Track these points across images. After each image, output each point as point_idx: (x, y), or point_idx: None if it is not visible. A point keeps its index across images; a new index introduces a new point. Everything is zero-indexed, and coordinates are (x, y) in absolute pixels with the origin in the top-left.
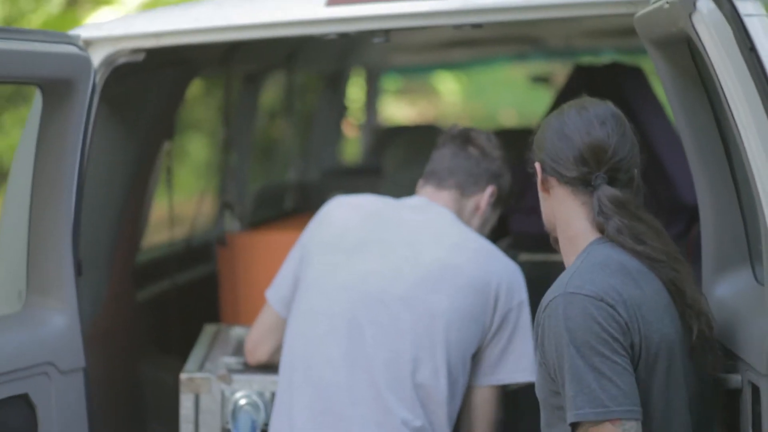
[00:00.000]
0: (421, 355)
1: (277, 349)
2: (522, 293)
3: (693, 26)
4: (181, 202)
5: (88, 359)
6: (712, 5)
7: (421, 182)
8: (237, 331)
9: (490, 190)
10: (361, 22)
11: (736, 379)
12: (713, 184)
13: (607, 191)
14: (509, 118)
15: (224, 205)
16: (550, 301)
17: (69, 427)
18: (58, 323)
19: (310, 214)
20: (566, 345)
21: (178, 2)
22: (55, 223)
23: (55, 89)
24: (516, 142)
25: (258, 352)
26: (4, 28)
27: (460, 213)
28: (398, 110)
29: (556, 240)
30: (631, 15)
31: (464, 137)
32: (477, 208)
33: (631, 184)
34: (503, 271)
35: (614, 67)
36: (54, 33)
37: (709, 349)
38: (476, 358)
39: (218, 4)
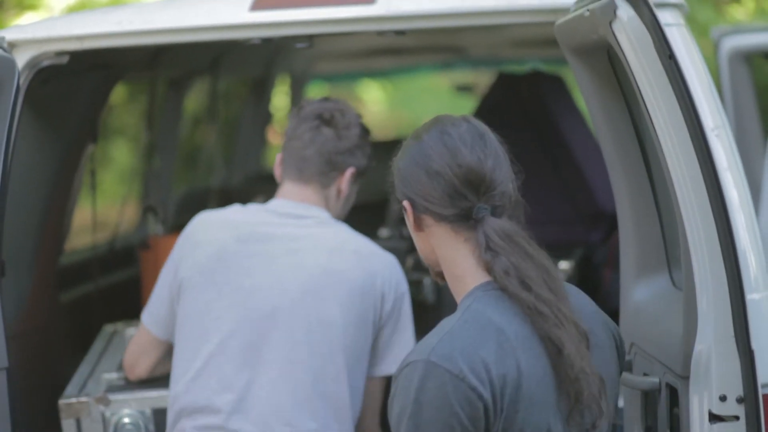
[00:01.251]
0: (320, 363)
1: (156, 364)
2: (402, 284)
3: (613, 34)
4: (105, 206)
5: (10, 359)
6: (633, 13)
7: (283, 169)
8: (132, 332)
9: (349, 172)
10: (285, 27)
11: (653, 382)
12: (631, 190)
13: (493, 224)
14: None
15: (148, 209)
16: (410, 363)
17: None
18: None
19: None
20: (409, 416)
21: (104, 6)
22: None
23: None
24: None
25: (137, 369)
26: None
27: (326, 203)
28: None
29: (439, 275)
30: (552, 24)
31: (318, 117)
32: (339, 191)
33: (512, 206)
34: (384, 268)
35: (536, 76)
36: None
37: (589, 410)
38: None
39: (142, 7)
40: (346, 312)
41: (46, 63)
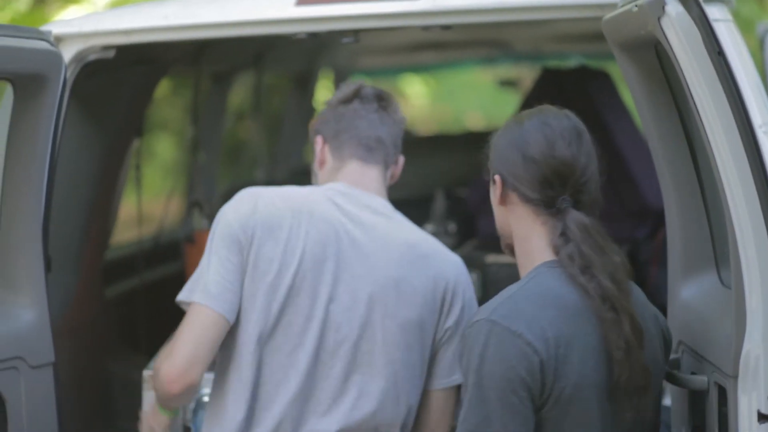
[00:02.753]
0: (383, 384)
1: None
2: (469, 290)
3: (662, 30)
4: (150, 201)
5: (57, 355)
6: (681, 9)
7: (342, 149)
8: None
9: (402, 159)
10: (330, 22)
11: (702, 381)
12: (679, 187)
13: (574, 216)
14: (476, 121)
15: (193, 204)
16: (476, 322)
17: (38, 421)
18: (28, 318)
19: None
20: (473, 370)
21: (148, 1)
22: (25, 219)
23: (26, 85)
24: (480, 144)
25: (193, 372)
26: None
27: (384, 187)
28: None
29: (509, 246)
30: (599, 19)
31: (379, 100)
32: (393, 176)
33: (593, 203)
34: (451, 272)
35: (581, 71)
36: (25, 28)
37: (635, 394)
38: (430, 362)
39: (188, 2)
40: (411, 326)
41: (92, 57)
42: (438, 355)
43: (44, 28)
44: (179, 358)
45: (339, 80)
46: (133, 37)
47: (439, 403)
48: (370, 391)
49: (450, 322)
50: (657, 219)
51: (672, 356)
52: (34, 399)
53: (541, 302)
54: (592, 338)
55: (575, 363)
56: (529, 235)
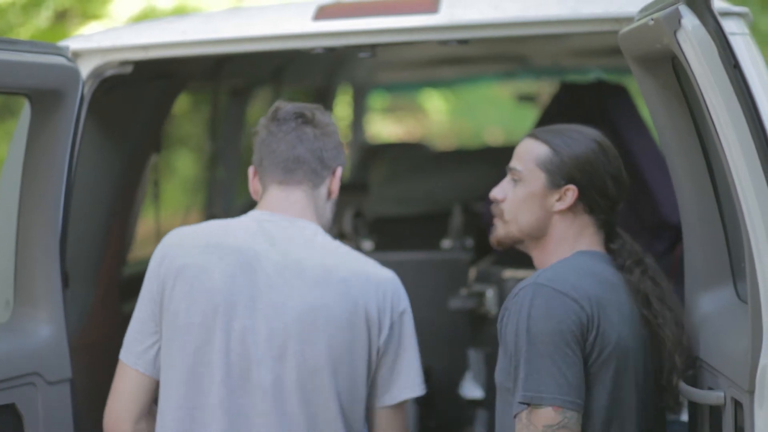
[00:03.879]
0: (313, 412)
1: (140, 417)
2: (401, 302)
3: (678, 43)
4: (168, 216)
5: (74, 370)
6: (697, 22)
7: (255, 172)
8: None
9: (339, 171)
10: (348, 36)
11: (718, 396)
12: (696, 201)
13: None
14: (495, 136)
15: (211, 219)
16: (521, 288)
17: None
18: (45, 334)
19: None
20: (525, 331)
21: (167, 16)
22: (43, 234)
23: (44, 100)
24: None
25: (122, 424)
26: None
27: (316, 206)
28: (385, 128)
29: (515, 239)
30: (616, 33)
31: (299, 117)
32: (330, 193)
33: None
34: (375, 291)
35: (599, 86)
36: (42, 44)
37: (670, 360)
38: (372, 381)
39: (207, 17)
40: (334, 352)
41: (110, 72)
42: (377, 373)
43: (62, 43)
44: (106, 412)
45: (358, 95)
46: (151, 52)
47: (386, 421)
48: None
49: (381, 340)
50: (674, 233)
51: (689, 372)
52: (51, 415)
53: (581, 272)
54: (627, 308)
55: (615, 324)
56: (571, 238)
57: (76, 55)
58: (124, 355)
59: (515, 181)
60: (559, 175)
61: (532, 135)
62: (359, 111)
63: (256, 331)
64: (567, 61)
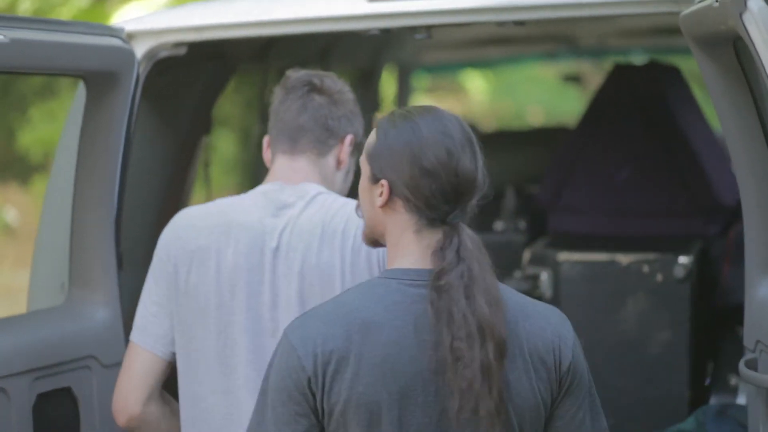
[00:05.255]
0: None
1: (149, 399)
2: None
3: (743, 25)
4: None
5: None
6: (763, 4)
7: (269, 142)
8: None
9: (348, 138)
10: (404, 17)
11: None
12: (758, 184)
13: (467, 232)
14: (537, 116)
15: None
16: (286, 328)
17: (111, 420)
18: (101, 317)
19: None
20: (264, 377)
21: None
22: (98, 216)
23: (99, 82)
24: (547, 140)
25: (130, 405)
26: (48, 20)
27: (323, 175)
28: None
29: (376, 242)
30: (665, 14)
31: (307, 84)
32: (339, 162)
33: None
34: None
35: (653, 67)
36: (98, 25)
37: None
38: None
39: None
40: None
41: (163, 54)
42: None
43: (117, 24)
44: (115, 392)
45: (402, 76)
46: (205, 33)
47: None
48: None
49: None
50: (729, 216)
51: (749, 356)
52: (107, 398)
53: (338, 314)
54: (390, 350)
55: (350, 380)
56: (401, 243)
57: (130, 36)
58: (139, 337)
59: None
60: (376, 167)
61: (377, 120)
62: (404, 92)
63: (276, 305)
64: (611, 41)
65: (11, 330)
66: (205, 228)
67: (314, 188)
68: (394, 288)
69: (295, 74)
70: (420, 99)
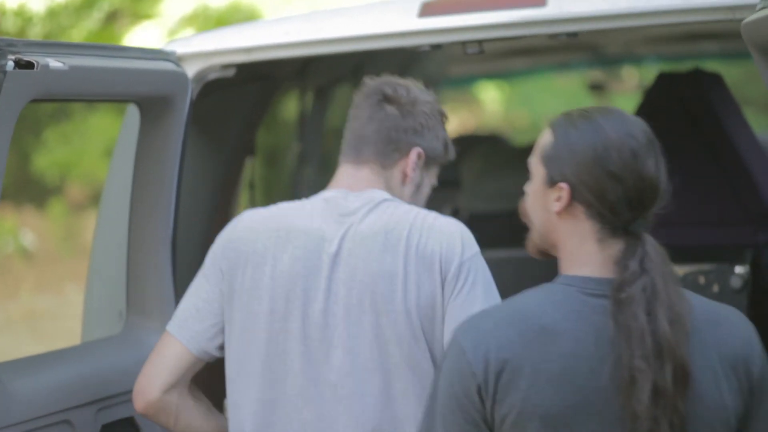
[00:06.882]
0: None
1: (171, 388)
2: (467, 250)
3: None
4: None
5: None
6: None
7: (342, 153)
8: None
9: (414, 152)
10: (455, 32)
11: None
12: None
13: (651, 242)
14: None
15: None
16: (456, 328)
17: None
18: None
19: None
20: (433, 381)
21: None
22: (155, 242)
23: (153, 107)
24: None
25: (150, 391)
26: (102, 45)
27: (388, 187)
28: None
29: (542, 253)
30: (719, 22)
31: (379, 93)
32: (404, 176)
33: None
34: (436, 244)
35: (698, 75)
36: (149, 50)
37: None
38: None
39: (309, 17)
40: (410, 318)
41: (212, 76)
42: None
43: (167, 47)
44: (138, 377)
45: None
46: (255, 54)
47: None
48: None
49: (458, 289)
50: None
51: None
52: None
53: (516, 317)
54: (567, 361)
55: (526, 389)
56: (580, 253)
57: (180, 59)
58: (176, 329)
59: (531, 176)
60: (554, 169)
61: (551, 120)
62: None
63: (334, 313)
64: (638, 49)
65: (74, 361)
66: (264, 231)
67: (380, 194)
68: (573, 296)
69: (371, 81)
70: None
